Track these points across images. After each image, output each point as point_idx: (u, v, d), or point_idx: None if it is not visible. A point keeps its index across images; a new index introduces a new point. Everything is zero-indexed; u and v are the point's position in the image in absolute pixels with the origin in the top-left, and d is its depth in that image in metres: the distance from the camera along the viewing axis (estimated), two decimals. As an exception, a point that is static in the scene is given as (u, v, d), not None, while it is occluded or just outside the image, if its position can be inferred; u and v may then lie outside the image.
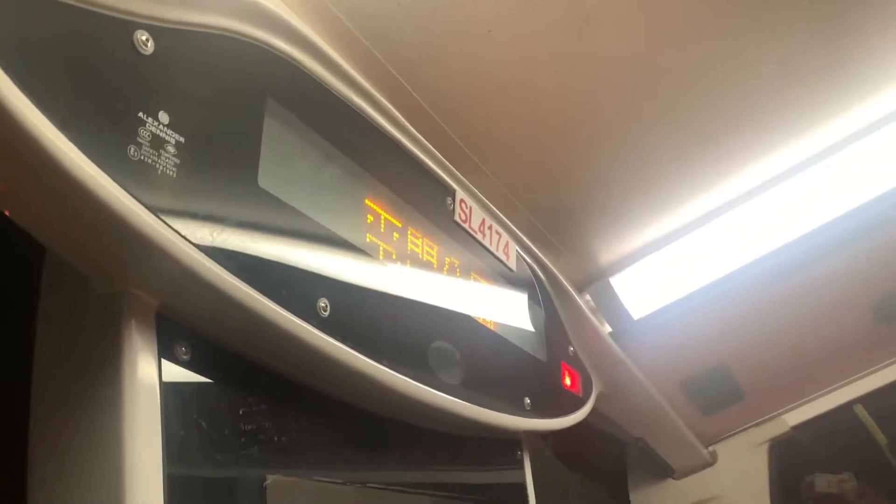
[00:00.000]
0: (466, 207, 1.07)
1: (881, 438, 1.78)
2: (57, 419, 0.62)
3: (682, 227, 1.36)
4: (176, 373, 0.62)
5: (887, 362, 1.64)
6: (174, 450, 0.60)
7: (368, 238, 0.83)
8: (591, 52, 1.01)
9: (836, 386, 1.71)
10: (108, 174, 0.52)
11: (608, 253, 1.40)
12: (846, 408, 1.73)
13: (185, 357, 0.63)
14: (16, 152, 0.49)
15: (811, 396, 1.71)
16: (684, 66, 1.07)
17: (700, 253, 1.39)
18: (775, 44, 1.05)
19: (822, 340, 1.52)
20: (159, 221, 0.55)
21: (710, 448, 1.84)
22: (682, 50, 1.04)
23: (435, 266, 0.96)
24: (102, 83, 0.54)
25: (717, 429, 1.80)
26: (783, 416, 1.74)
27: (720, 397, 1.67)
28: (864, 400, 1.71)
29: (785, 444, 1.78)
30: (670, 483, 1.88)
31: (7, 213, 0.53)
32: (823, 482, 1.88)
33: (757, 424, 1.77)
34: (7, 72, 0.47)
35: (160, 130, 0.57)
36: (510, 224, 1.19)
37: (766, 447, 1.78)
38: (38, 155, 0.49)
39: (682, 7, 0.97)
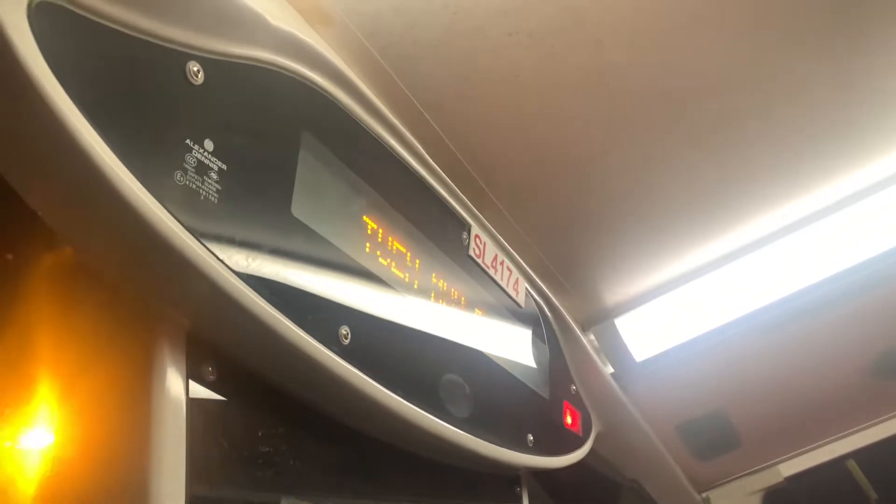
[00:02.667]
0: (481, 243, 1.09)
1: (872, 495, 1.79)
2: (85, 425, 0.63)
3: (689, 273, 1.38)
4: (202, 392, 0.64)
5: (882, 418, 1.66)
6: (197, 466, 0.61)
7: (389, 270, 0.85)
8: (610, 101, 1.04)
9: (831, 438, 1.72)
10: (156, 196, 0.54)
11: (614, 294, 1.42)
12: (840, 462, 1.74)
13: (211, 377, 0.65)
14: (73, 172, 0.51)
15: (806, 448, 1.72)
16: (702, 117, 1.11)
17: (705, 299, 1.41)
18: (793, 99, 1.09)
19: (821, 392, 1.54)
20: (199, 244, 0.57)
21: (704, 494, 1.84)
22: (701, 100, 1.07)
23: (449, 299, 0.98)
24: (156, 110, 0.56)
25: (711, 475, 1.81)
26: (778, 466, 1.75)
27: (716, 443, 1.68)
28: (858, 455, 1.72)
29: (778, 495, 1.79)
30: (662, 528, 1.88)
31: (55, 227, 0.54)
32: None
33: (751, 473, 1.78)
34: (70, 95, 0.49)
35: (205, 157, 0.60)
36: (521, 261, 1.21)
37: (759, 497, 1.78)
38: (93, 175, 0.51)
39: (706, 54, 1.00)
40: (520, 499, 1.23)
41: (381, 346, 0.80)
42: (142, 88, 0.56)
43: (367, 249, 0.82)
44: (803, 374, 1.51)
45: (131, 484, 0.58)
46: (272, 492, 0.69)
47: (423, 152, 0.94)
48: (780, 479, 1.74)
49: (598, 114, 1.08)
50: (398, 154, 0.90)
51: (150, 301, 0.61)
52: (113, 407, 0.61)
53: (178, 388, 0.61)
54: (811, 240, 1.32)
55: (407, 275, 0.89)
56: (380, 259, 0.84)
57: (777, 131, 1.14)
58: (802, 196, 1.27)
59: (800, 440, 1.70)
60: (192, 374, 0.63)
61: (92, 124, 0.51)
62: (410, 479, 0.95)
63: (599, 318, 1.45)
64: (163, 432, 0.59)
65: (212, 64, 0.62)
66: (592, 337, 1.46)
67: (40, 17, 0.48)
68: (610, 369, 1.48)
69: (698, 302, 1.41)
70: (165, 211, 0.54)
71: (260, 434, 0.70)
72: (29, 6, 0.48)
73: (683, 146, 1.14)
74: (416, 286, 0.90)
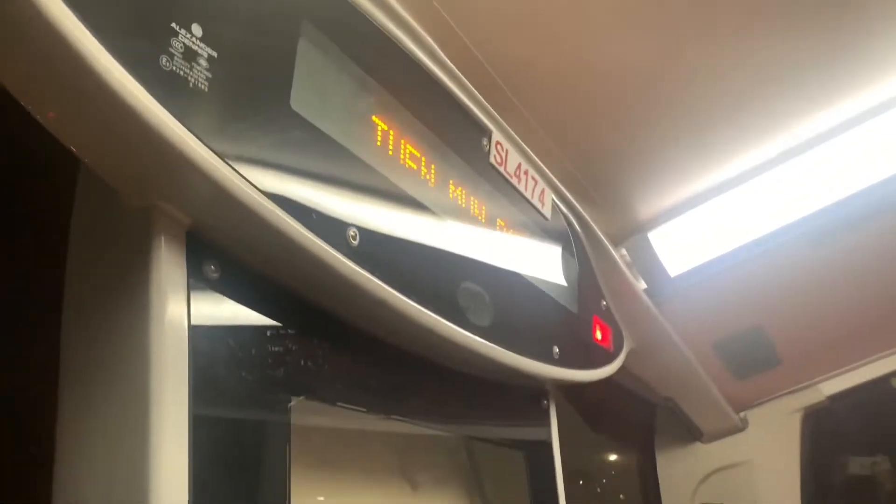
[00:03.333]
0: (503, 150, 1.04)
1: (918, 414, 1.75)
2: (88, 326, 0.63)
3: (726, 183, 1.32)
4: (204, 289, 0.63)
5: (930, 335, 1.59)
6: (201, 361, 0.60)
7: (400, 173, 0.82)
8: (642, 2, 0.97)
9: (875, 357, 1.66)
10: (139, 82, 0.52)
11: (647, 207, 1.37)
12: (884, 380, 1.68)
13: (213, 275, 0.64)
14: (50, 56, 0.49)
15: (849, 366, 1.67)
16: (739, 12, 1.02)
17: (743, 210, 1.35)
18: None
19: (865, 308, 1.48)
20: (188, 133, 0.55)
21: (742, 414, 1.82)
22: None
23: (467, 208, 0.95)
24: (136, -10, 0.53)
25: (749, 394, 1.78)
26: (819, 385, 1.71)
27: (755, 361, 1.64)
28: (903, 373, 1.67)
29: (819, 416, 1.75)
30: (698, 446, 1.87)
31: (41, 116, 0.53)
32: (857, 464, 1.85)
33: (791, 392, 1.74)
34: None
35: (193, 43, 0.56)
36: (547, 171, 1.16)
37: (799, 416, 1.75)
38: (72, 58, 0.49)
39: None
40: (547, 413, 1.22)
41: (393, 250, 0.78)
42: (119, -33, 0.52)
43: (378, 150, 0.78)
44: (847, 289, 1.44)
45: (134, 384, 0.58)
46: (282, 392, 0.68)
47: (439, 51, 0.89)
48: (821, 398, 1.70)
49: (630, 16, 1.01)
50: (410, 51, 0.86)
51: (144, 195, 0.59)
52: (114, 301, 0.60)
53: (178, 283, 0.60)
54: (854, 145, 1.23)
55: (421, 179, 0.85)
56: (391, 161, 0.80)
57: (825, 24, 1.05)
58: (847, 97, 1.18)
59: (842, 358, 1.64)
60: (194, 270, 0.62)
61: (68, 5, 0.48)
62: (430, 387, 0.94)
63: (632, 232, 1.40)
64: (163, 327, 0.59)
65: (197, -57, 0.58)
66: (624, 251, 1.41)
67: None
68: (643, 285, 1.44)
69: (736, 213, 1.35)
70: (148, 95, 0.52)
71: (269, 334, 0.69)
72: None
73: (720, 46, 1.07)
74: (431, 192, 0.87)
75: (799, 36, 1.07)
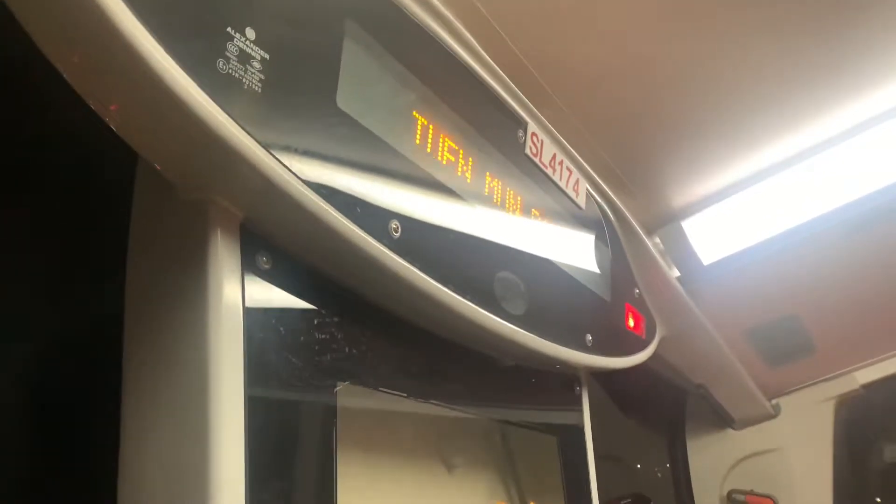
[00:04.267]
0: (538, 141, 1.06)
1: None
2: (149, 315, 0.67)
3: (760, 172, 1.32)
4: (257, 279, 0.66)
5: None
6: (254, 347, 0.64)
7: (441, 166, 0.84)
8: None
9: (912, 346, 1.65)
10: (198, 84, 0.55)
11: (681, 195, 1.37)
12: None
13: (265, 266, 0.67)
14: (113, 56, 0.52)
15: (885, 355, 1.66)
16: (775, 3, 1.02)
17: (777, 200, 1.35)
18: None
19: (902, 297, 1.47)
20: (243, 132, 0.58)
21: (774, 401, 1.82)
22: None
23: (503, 199, 0.97)
24: (195, -2, 0.56)
25: (782, 381, 1.78)
26: (853, 373, 1.70)
27: (789, 349, 1.64)
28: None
29: (853, 404, 1.75)
30: (729, 433, 1.88)
31: (104, 113, 0.56)
32: (893, 452, 1.84)
33: (825, 380, 1.73)
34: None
35: (247, 46, 0.59)
36: (581, 161, 1.18)
37: (832, 404, 1.75)
38: (135, 61, 0.52)
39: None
40: (580, 399, 1.24)
41: (432, 241, 0.81)
42: (179, -25, 0.55)
43: (418, 145, 0.81)
44: (882, 278, 1.43)
45: (194, 367, 0.62)
46: (328, 377, 0.72)
47: (476, 44, 0.91)
48: (855, 387, 1.70)
49: (664, 11, 1.01)
50: (448, 46, 0.88)
51: (200, 189, 0.63)
52: (172, 289, 0.64)
53: (233, 274, 0.64)
54: (888, 135, 1.22)
55: (459, 172, 0.88)
56: (430, 155, 0.83)
57: (861, 14, 1.04)
58: (883, 87, 1.16)
59: (877, 347, 1.64)
60: (247, 261, 0.66)
61: (132, 11, 0.51)
62: (466, 373, 0.97)
63: (665, 221, 1.41)
64: (220, 314, 0.62)
65: (250, -50, 0.61)
66: (658, 240, 1.42)
67: None
68: (676, 273, 1.45)
69: (771, 203, 1.35)
70: (207, 97, 0.55)
71: (316, 322, 0.72)
72: None
73: (755, 33, 1.06)
74: (468, 184, 0.89)
75: (834, 26, 1.06)
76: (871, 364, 1.67)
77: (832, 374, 1.72)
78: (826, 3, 1.04)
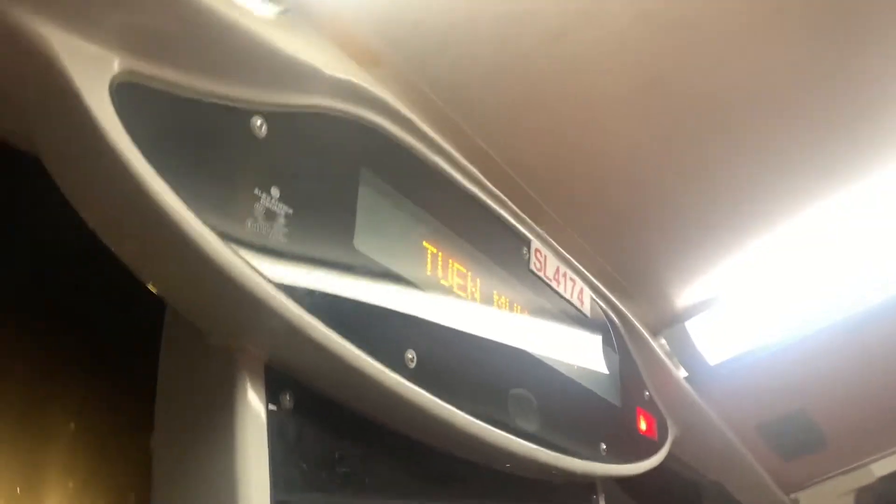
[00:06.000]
0: (541, 256, 1.11)
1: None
2: (176, 454, 0.70)
3: (759, 269, 1.36)
4: (281, 419, 0.69)
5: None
6: (280, 487, 0.66)
7: (451, 291, 0.88)
8: (661, 109, 1.04)
9: (926, 436, 1.64)
10: (230, 246, 0.59)
11: (682, 297, 1.41)
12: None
13: (289, 405, 0.70)
14: (152, 226, 0.57)
15: (900, 446, 1.65)
16: (751, 119, 1.09)
17: (780, 297, 1.38)
18: (871, 60, 1.04)
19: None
20: (272, 286, 0.62)
21: (792, 496, 1.79)
22: (755, 99, 1.05)
23: (512, 315, 1.01)
24: (225, 166, 0.62)
25: (798, 476, 1.76)
26: (870, 466, 1.69)
27: (800, 443, 1.64)
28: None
29: (872, 495, 1.72)
30: (751, 530, 1.84)
31: (146, 280, 0.61)
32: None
33: (841, 473, 1.72)
34: (148, 159, 0.55)
35: (273, 204, 0.65)
36: (583, 270, 1.22)
37: (851, 497, 1.72)
38: (170, 228, 0.56)
39: (761, 55, 0.99)
40: (597, 505, 1.24)
41: (446, 366, 0.84)
42: (212, 148, 0.61)
43: (429, 274, 0.85)
44: (890, 369, 1.45)
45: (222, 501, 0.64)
46: (351, 509, 0.74)
47: (479, 174, 0.97)
48: (872, 480, 1.68)
49: (648, 122, 1.08)
50: (454, 179, 0.94)
51: (230, 337, 0.67)
52: (200, 433, 0.67)
53: (258, 415, 0.67)
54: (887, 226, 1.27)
55: (469, 295, 0.92)
56: (441, 282, 0.87)
57: (861, 93, 1.08)
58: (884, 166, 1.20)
59: (891, 440, 1.63)
60: (272, 401, 0.68)
61: (171, 188, 0.56)
62: (485, 489, 0.98)
63: (669, 322, 1.43)
64: (247, 456, 0.65)
65: (273, 116, 0.67)
66: (664, 341, 1.44)
67: (120, 95, 0.54)
68: (684, 373, 1.47)
69: (773, 299, 1.38)
70: (239, 258, 0.59)
71: (337, 456, 0.74)
72: (111, 87, 0.54)
73: (736, 139, 1.12)
74: (478, 305, 0.93)
75: (805, 116, 1.11)
76: (887, 456, 1.66)
77: (848, 467, 1.70)
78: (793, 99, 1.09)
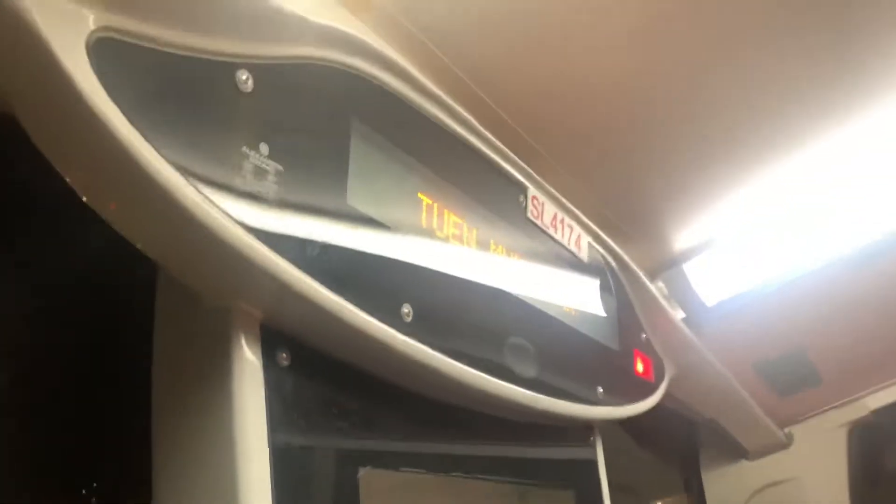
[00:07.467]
0: (538, 203, 1.10)
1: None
2: (175, 418, 0.70)
3: (758, 211, 1.34)
4: (278, 376, 0.69)
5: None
6: (279, 444, 0.66)
7: (446, 244, 0.87)
8: (658, 44, 1.01)
9: (920, 370, 1.67)
10: (218, 205, 0.58)
11: (681, 239, 1.40)
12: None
13: (285, 362, 0.70)
14: (138, 188, 0.56)
15: (893, 380, 1.68)
16: (755, 34, 1.04)
17: (776, 238, 1.37)
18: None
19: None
20: (262, 245, 0.61)
21: (786, 430, 1.83)
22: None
23: (509, 264, 1.00)
24: (212, 124, 0.60)
25: (793, 411, 1.79)
26: (863, 400, 1.72)
27: (796, 380, 1.66)
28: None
29: (866, 429, 1.76)
30: (744, 464, 1.88)
31: (137, 243, 0.60)
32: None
33: (835, 407, 1.75)
34: (130, 119, 0.53)
35: (262, 162, 0.63)
36: (581, 215, 1.21)
37: (845, 430, 1.76)
38: (157, 190, 0.55)
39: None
40: (594, 449, 1.26)
41: (442, 319, 0.84)
42: (196, 104, 0.59)
43: (424, 226, 0.84)
44: (886, 307, 1.46)
45: (220, 458, 0.64)
46: (351, 464, 0.74)
47: (474, 121, 0.95)
48: (865, 413, 1.71)
49: (646, 62, 1.04)
50: (448, 127, 0.91)
51: (223, 297, 0.66)
52: (197, 393, 0.67)
53: (255, 373, 0.67)
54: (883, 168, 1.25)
55: (465, 246, 0.91)
56: (436, 234, 0.86)
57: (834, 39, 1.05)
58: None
59: (885, 373, 1.65)
60: (268, 359, 0.68)
61: (154, 147, 0.54)
62: (483, 439, 0.99)
63: (667, 265, 1.43)
64: (245, 415, 0.65)
65: (259, 69, 0.65)
66: (661, 284, 1.45)
67: (97, 53, 0.52)
68: (681, 314, 1.47)
69: (769, 240, 1.38)
70: (228, 217, 0.58)
71: (336, 411, 0.75)
72: (87, 45, 0.51)
73: (743, 70, 1.08)
74: (474, 256, 0.92)
75: (812, 51, 1.08)
76: (881, 389, 1.69)
77: (842, 401, 1.73)
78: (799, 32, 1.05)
